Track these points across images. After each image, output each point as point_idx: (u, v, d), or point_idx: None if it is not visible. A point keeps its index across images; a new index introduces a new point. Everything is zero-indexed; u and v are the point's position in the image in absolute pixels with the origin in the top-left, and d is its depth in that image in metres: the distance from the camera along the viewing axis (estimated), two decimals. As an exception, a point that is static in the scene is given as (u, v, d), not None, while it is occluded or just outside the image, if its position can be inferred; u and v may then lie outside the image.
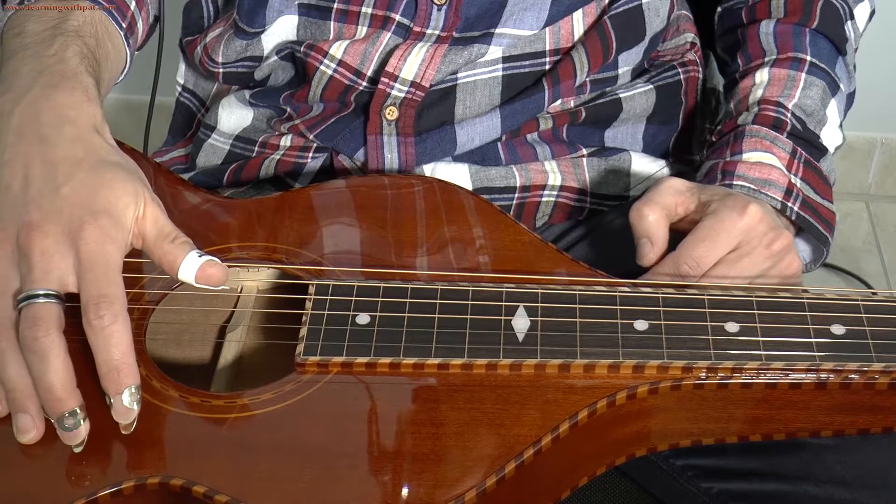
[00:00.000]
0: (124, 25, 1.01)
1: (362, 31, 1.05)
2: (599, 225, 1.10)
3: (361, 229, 0.95)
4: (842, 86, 1.07)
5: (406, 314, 0.85)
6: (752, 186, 0.97)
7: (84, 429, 0.78)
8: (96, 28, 0.97)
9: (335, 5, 1.05)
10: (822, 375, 0.82)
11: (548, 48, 1.06)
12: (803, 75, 1.05)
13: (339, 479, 0.77)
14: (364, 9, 1.05)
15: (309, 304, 0.86)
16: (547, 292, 0.86)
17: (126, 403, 0.78)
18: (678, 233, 0.93)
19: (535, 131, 1.09)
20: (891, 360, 0.82)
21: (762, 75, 1.06)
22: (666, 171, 1.12)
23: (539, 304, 0.85)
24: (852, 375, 0.82)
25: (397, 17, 1.04)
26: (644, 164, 1.11)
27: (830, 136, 1.06)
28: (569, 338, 0.84)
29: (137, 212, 0.83)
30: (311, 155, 1.08)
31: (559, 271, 0.90)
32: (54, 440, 0.79)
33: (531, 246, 0.92)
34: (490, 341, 0.84)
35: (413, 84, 1.04)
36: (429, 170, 1.07)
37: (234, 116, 1.13)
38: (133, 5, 1.04)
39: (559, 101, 1.08)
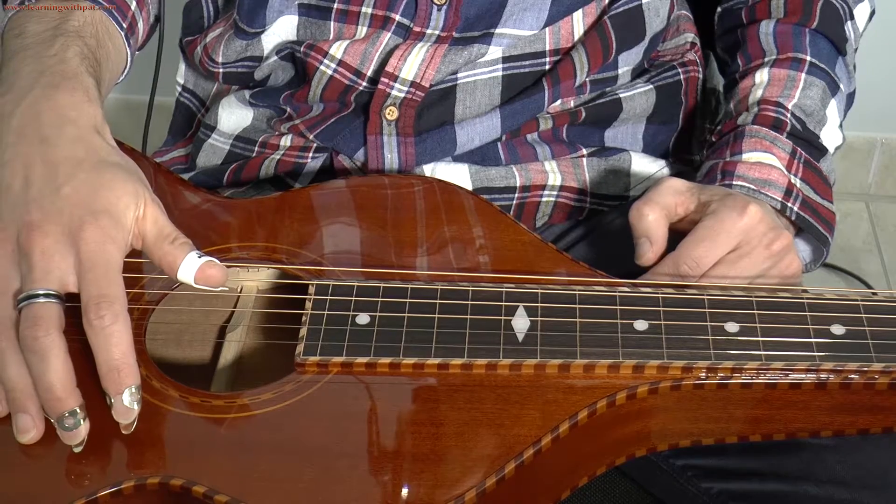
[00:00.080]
0: (125, 26, 1.01)
1: (362, 31, 1.05)
2: (599, 225, 1.10)
3: (361, 229, 0.95)
4: (842, 86, 1.07)
5: (406, 314, 0.85)
6: (752, 186, 0.97)
7: (84, 428, 0.79)
8: (97, 28, 0.97)
9: (335, 5, 1.05)
10: (822, 375, 0.82)
11: (548, 48, 1.06)
12: (803, 75, 1.05)
13: (339, 479, 0.77)
14: (364, 9, 1.05)
15: (309, 304, 0.86)
16: (547, 292, 0.86)
17: (126, 403, 0.78)
18: (678, 233, 0.93)
19: (535, 131, 1.09)
20: (891, 360, 0.82)
21: (762, 75, 1.06)
22: (666, 171, 1.12)
23: (539, 304, 0.85)
24: (852, 375, 0.82)
25: (397, 17, 1.04)
26: (644, 165, 1.11)
27: (830, 137, 1.06)
28: (569, 338, 0.84)
29: (138, 212, 0.83)
30: (311, 155, 1.08)
31: (559, 271, 0.90)
32: (54, 440, 0.79)
33: (531, 246, 0.92)
34: (490, 341, 0.84)
35: (413, 84, 1.04)
36: (429, 170, 1.06)
37: (234, 116, 1.13)
38: (134, 5, 1.04)
39: (559, 101, 1.08)
